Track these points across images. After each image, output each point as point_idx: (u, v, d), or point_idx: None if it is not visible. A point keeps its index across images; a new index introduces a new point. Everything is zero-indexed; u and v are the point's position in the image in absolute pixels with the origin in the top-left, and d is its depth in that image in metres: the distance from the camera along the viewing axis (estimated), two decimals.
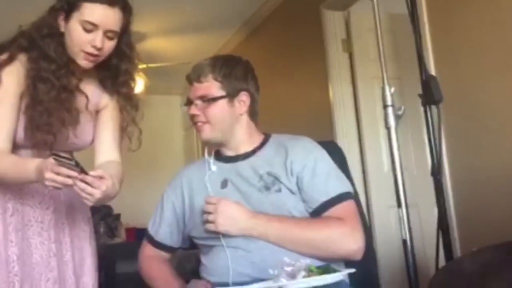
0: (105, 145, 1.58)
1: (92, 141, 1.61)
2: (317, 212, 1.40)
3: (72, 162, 1.23)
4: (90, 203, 1.29)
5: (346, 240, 1.35)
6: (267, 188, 1.43)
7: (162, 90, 4.89)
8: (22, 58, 1.45)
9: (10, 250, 1.44)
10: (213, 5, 3.66)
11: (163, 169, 4.32)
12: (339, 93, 2.94)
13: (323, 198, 1.40)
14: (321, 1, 2.98)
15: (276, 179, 1.43)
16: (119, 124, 1.60)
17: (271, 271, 1.16)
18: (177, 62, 4.21)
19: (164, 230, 1.59)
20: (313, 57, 3.14)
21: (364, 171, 2.80)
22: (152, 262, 1.57)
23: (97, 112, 1.61)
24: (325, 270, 1.16)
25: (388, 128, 1.74)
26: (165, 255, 1.61)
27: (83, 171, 1.25)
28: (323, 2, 2.96)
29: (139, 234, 4.81)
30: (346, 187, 1.45)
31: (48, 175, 1.24)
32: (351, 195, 1.46)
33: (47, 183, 1.26)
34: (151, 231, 1.61)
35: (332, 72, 2.95)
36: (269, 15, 3.70)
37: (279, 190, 1.42)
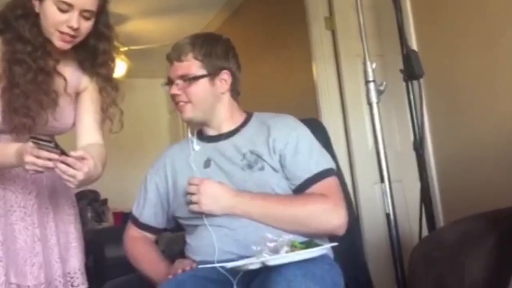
0: (87, 128, 1.56)
1: (73, 124, 1.59)
2: (300, 189, 1.41)
3: (52, 144, 1.21)
4: (72, 185, 1.28)
5: (329, 215, 1.36)
6: (250, 166, 1.43)
7: (146, 73, 4.83)
8: None
9: None
10: None
11: (149, 153, 4.25)
12: (322, 71, 2.92)
13: (306, 175, 1.40)
14: None
15: (259, 157, 1.43)
16: (100, 106, 1.58)
17: (254, 248, 1.17)
18: (159, 44, 4.15)
19: (148, 212, 1.59)
20: (296, 36, 3.12)
21: (349, 149, 2.80)
22: (137, 244, 1.57)
23: (77, 94, 1.59)
24: (308, 245, 1.17)
25: (370, 104, 1.76)
26: (150, 236, 1.61)
27: (63, 152, 1.23)
28: None
29: (127, 218, 4.80)
30: (328, 163, 1.45)
31: (28, 158, 1.23)
32: (334, 171, 1.46)
33: (27, 167, 1.25)
34: (136, 212, 1.61)
35: (316, 50, 2.93)
36: None
37: (262, 168, 1.42)
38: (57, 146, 1.22)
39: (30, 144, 1.24)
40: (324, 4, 2.96)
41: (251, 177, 1.41)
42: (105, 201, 4.42)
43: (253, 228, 1.36)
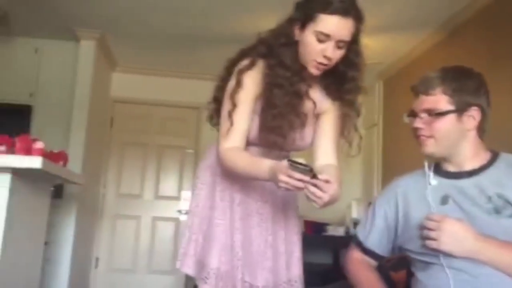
0: (325, 149, 1.64)
1: (311, 143, 1.68)
2: None
3: (307, 168, 1.30)
4: (318, 206, 1.35)
5: None
6: (497, 211, 1.34)
7: None
8: (260, 64, 1.57)
9: (235, 237, 1.59)
10: (411, 6, 3.54)
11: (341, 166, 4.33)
12: None
13: None
14: None
15: (508, 202, 1.34)
16: (339, 129, 1.65)
17: None
18: (368, 61, 4.17)
19: (374, 237, 1.60)
20: None
21: None
22: (360, 267, 1.60)
23: (318, 115, 1.68)
24: None
25: None
26: (372, 262, 1.62)
27: (314, 176, 1.31)
28: None
29: (318, 228, 4.94)
30: None
31: (283, 177, 1.32)
32: None
33: (281, 184, 1.34)
34: (361, 236, 1.64)
35: None
36: (473, 15, 3.44)
37: (511, 216, 1.32)
38: (311, 170, 1.30)
39: (285, 164, 1.33)
40: None
41: (498, 223, 1.33)
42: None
43: (498, 279, 1.28)
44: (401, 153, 4.23)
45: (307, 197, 1.34)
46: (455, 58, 3.31)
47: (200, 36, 4.31)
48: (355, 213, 4.72)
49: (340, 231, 4.83)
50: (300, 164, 1.31)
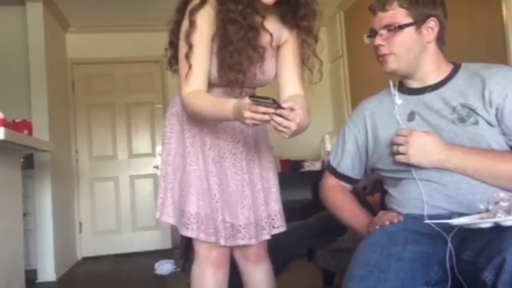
0: (289, 80, 1.63)
1: (275, 76, 1.66)
2: None
3: (270, 100, 1.28)
4: (286, 136, 1.34)
5: None
6: (462, 120, 1.36)
7: None
8: (211, 1, 1.52)
9: (211, 180, 1.59)
10: None
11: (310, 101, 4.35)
12: None
13: None
14: None
15: (472, 110, 1.36)
16: (300, 57, 1.62)
17: (481, 206, 1.13)
18: None
19: (346, 162, 1.62)
20: None
21: None
22: (336, 193, 1.62)
23: (278, 47, 1.65)
24: None
25: None
26: (347, 186, 1.65)
27: (279, 107, 1.29)
28: None
29: (294, 166, 5.00)
30: None
31: (247, 114, 1.31)
32: None
33: (247, 121, 1.33)
34: (333, 163, 1.65)
35: None
36: None
37: (476, 123, 1.34)
38: (274, 102, 1.28)
39: (247, 101, 1.31)
40: None
41: (463, 132, 1.35)
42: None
43: (465, 184, 1.31)
44: (368, 82, 4.25)
45: (275, 129, 1.33)
46: None
47: None
48: (329, 146, 4.78)
49: (316, 166, 4.91)
50: (262, 97, 1.29)
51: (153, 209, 5.29)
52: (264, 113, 1.30)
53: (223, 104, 1.45)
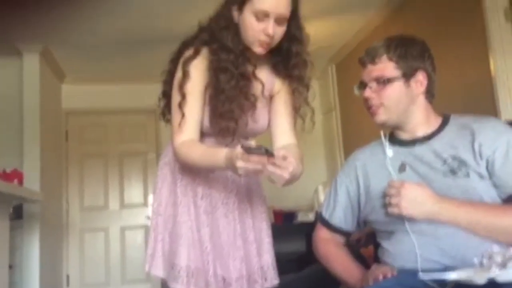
0: (282, 129, 1.64)
1: (267, 126, 1.67)
2: None
3: (262, 149, 1.27)
4: (279, 185, 1.32)
5: None
6: (454, 172, 1.36)
7: None
8: (204, 51, 1.55)
9: (202, 231, 1.56)
10: None
11: (304, 153, 4.35)
12: (502, 66, 2.69)
13: None
14: None
15: (463, 162, 1.36)
16: (293, 106, 1.64)
17: (475, 260, 1.11)
18: (316, 46, 4.20)
19: (339, 214, 1.60)
20: (470, 30, 2.91)
21: None
22: (329, 245, 1.60)
23: (271, 97, 1.67)
24: None
25: None
26: (340, 239, 1.62)
27: (271, 155, 1.28)
28: None
29: (287, 217, 4.94)
30: None
31: (240, 163, 1.30)
32: None
33: (240, 171, 1.31)
34: (325, 214, 1.64)
35: (494, 43, 2.70)
36: None
37: (467, 175, 1.34)
38: (267, 151, 1.28)
39: (239, 150, 1.30)
40: None
41: (455, 184, 1.35)
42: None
43: (459, 237, 1.29)
44: (360, 133, 4.29)
45: (268, 178, 1.32)
46: (400, 33, 3.36)
47: (147, 38, 4.23)
48: (322, 197, 4.75)
49: (310, 217, 4.86)
50: (254, 146, 1.29)
51: (144, 261, 5.18)
52: (257, 162, 1.29)
53: (215, 153, 1.44)
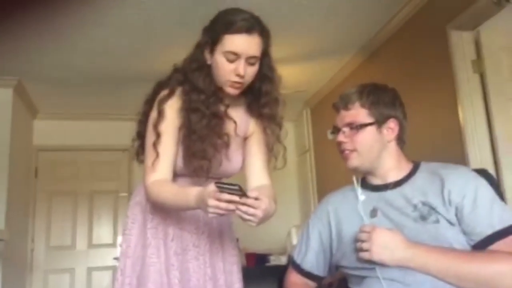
0: (255, 169, 1.64)
1: (241, 166, 1.67)
2: (482, 246, 1.32)
3: (235, 187, 1.25)
4: (253, 224, 1.30)
5: None
6: (424, 218, 1.37)
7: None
8: (179, 91, 1.56)
9: (172, 274, 1.52)
10: (328, 33, 3.66)
11: (278, 195, 4.35)
12: (470, 116, 2.78)
13: (488, 230, 1.31)
14: (447, 22, 2.88)
15: (433, 209, 1.38)
16: (266, 145, 1.65)
17: None
18: (292, 90, 4.28)
19: (311, 259, 1.59)
20: (439, 80, 3.01)
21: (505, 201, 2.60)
22: None
23: (245, 139, 1.68)
24: None
25: None
26: (311, 284, 1.60)
27: (244, 194, 1.27)
28: (449, 23, 2.87)
29: (260, 260, 4.87)
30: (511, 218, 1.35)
31: (211, 202, 1.28)
32: None
33: (210, 210, 1.29)
34: (297, 259, 1.62)
35: (462, 94, 2.80)
36: (388, 39, 3.63)
37: (437, 221, 1.36)
38: (241, 189, 1.26)
39: (212, 188, 1.29)
40: (470, 46, 2.85)
41: (425, 230, 1.36)
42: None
43: (429, 284, 1.29)
44: (333, 176, 4.32)
45: (241, 217, 1.30)
46: (373, 80, 3.45)
47: (122, 76, 4.24)
48: (295, 240, 4.72)
49: (283, 260, 4.80)
50: (227, 184, 1.27)
51: None
52: (229, 201, 1.28)
53: (186, 192, 1.42)
